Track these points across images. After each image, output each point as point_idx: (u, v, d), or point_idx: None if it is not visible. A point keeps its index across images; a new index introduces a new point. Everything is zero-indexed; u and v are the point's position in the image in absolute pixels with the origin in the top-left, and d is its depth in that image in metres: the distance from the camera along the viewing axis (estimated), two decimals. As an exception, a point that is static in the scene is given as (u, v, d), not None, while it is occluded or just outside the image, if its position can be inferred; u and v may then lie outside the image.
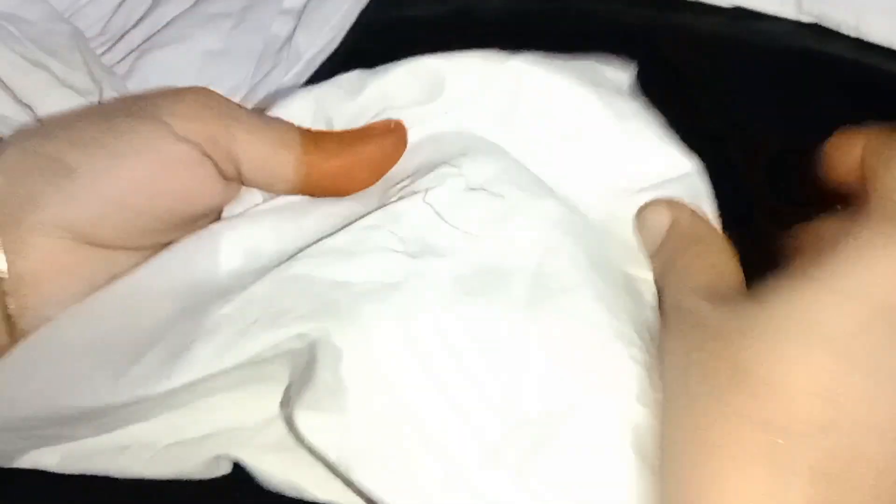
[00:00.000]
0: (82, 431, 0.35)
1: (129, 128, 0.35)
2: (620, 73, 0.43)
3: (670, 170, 0.39)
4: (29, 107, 0.43)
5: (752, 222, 0.44)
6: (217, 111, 0.36)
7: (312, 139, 0.37)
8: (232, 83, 0.50)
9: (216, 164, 0.36)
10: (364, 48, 0.54)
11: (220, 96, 0.37)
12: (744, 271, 0.37)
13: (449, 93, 0.40)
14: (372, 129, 0.39)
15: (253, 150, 0.36)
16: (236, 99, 0.49)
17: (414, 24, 0.56)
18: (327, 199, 0.38)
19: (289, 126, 0.37)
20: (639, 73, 0.51)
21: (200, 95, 0.36)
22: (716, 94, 0.52)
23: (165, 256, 0.36)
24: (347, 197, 0.38)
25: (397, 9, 0.56)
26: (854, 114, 0.51)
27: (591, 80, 0.41)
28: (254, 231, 0.37)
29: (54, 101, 0.44)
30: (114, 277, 0.36)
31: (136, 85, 0.48)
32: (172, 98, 0.36)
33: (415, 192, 0.37)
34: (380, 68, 0.40)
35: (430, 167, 0.38)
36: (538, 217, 0.37)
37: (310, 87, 0.40)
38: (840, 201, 0.47)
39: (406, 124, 0.40)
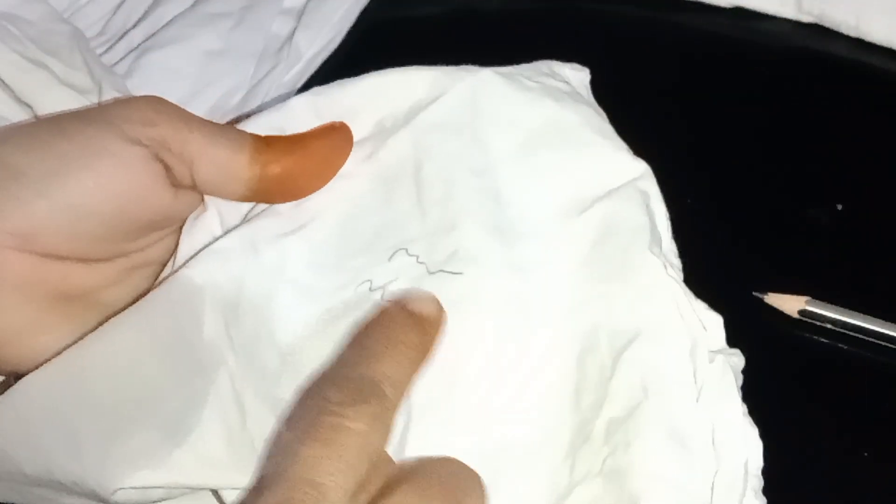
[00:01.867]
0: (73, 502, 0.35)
1: (78, 131, 0.35)
2: (578, 73, 0.44)
3: (620, 176, 0.40)
4: (29, 106, 0.43)
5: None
6: (168, 115, 0.36)
7: (263, 140, 0.38)
8: (232, 83, 0.49)
9: (168, 169, 0.36)
10: (364, 48, 0.54)
11: (172, 103, 0.37)
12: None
13: (409, 108, 0.41)
14: (318, 130, 0.39)
15: (206, 150, 0.36)
16: (237, 98, 0.50)
17: (413, 23, 0.56)
18: (299, 253, 0.38)
19: (239, 130, 0.38)
20: (637, 74, 0.52)
21: (152, 101, 0.36)
22: (715, 95, 0.52)
23: (147, 307, 0.36)
24: (318, 262, 0.39)
25: (397, 8, 0.56)
26: (853, 114, 0.51)
27: (548, 91, 0.42)
28: (230, 285, 0.37)
29: (54, 100, 0.43)
30: (71, 295, 0.36)
31: (136, 85, 0.48)
32: (125, 104, 0.36)
33: (372, 290, 0.38)
34: (335, 86, 0.41)
35: (389, 230, 0.39)
36: (492, 297, 0.38)
37: (265, 116, 0.40)
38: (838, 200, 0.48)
39: (365, 139, 0.40)
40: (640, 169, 0.40)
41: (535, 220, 0.39)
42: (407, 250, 0.39)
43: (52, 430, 0.34)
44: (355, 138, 0.40)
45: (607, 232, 0.39)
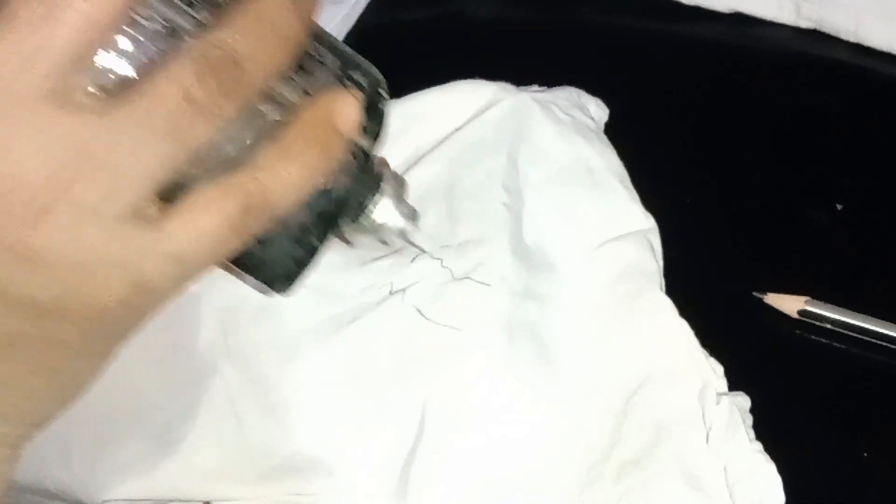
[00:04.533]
0: None
1: None
2: (599, 111, 0.46)
3: (632, 225, 0.42)
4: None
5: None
6: None
7: None
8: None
9: None
10: (360, 51, 0.53)
11: None
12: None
13: (447, 131, 0.42)
14: None
15: None
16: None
17: (407, 28, 0.56)
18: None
19: None
20: (637, 79, 0.52)
21: None
22: (715, 98, 0.52)
23: None
24: (340, 263, 0.38)
25: (392, 13, 0.56)
26: (853, 116, 0.51)
27: (578, 127, 0.43)
28: (232, 289, 0.36)
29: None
30: None
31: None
32: None
33: (392, 293, 0.38)
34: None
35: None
36: (512, 319, 0.38)
37: None
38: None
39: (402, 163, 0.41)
40: (649, 223, 0.42)
41: (554, 252, 0.40)
42: (431, 254, 0.39)
43: (44, 438, 0.34)
44: (394, 162, 0.40)
45: (621, 274, 0.40)
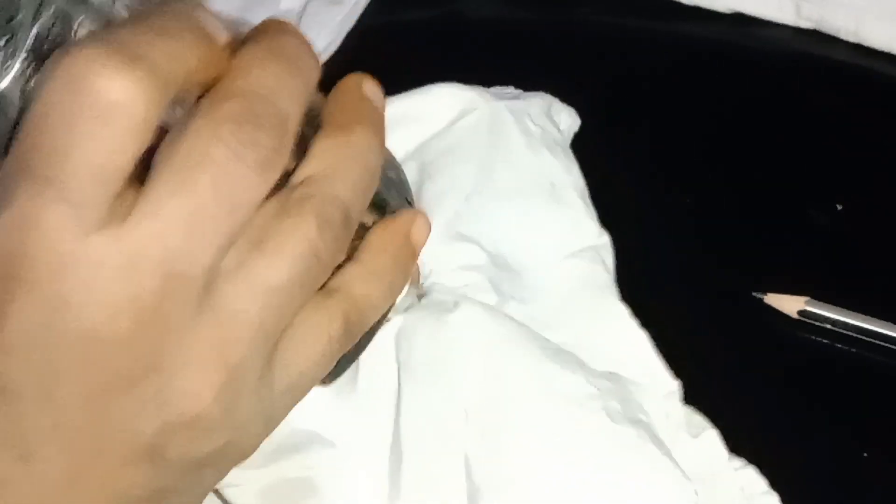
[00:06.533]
0: None
1: None
2: (570, 120, 0.46)
3: (588, 240, 0.42)
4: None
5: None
6: None
7: None
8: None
9: None
10: (359, 52, 0.54)
11: None
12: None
13: (421, 142, 0.43)
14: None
15: None
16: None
17: (406, 28, 0.56)
18: None
19: None
20: (637, 78, 0.52)
21: None
22: (715, 98, 0.52)
23: None
24: None
25: (393, 12, 0.56)
26: (853, 116, 0.51)
27: (546, 141, 0.44)
28: None
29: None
30: None
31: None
32: None
33: None
34: None
35: None
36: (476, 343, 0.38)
37: None
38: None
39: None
40: (604, 239, 0.43)
41: (515, 262, 0.41)
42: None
43: None
44: None
45: (578, 287, 0.41)
